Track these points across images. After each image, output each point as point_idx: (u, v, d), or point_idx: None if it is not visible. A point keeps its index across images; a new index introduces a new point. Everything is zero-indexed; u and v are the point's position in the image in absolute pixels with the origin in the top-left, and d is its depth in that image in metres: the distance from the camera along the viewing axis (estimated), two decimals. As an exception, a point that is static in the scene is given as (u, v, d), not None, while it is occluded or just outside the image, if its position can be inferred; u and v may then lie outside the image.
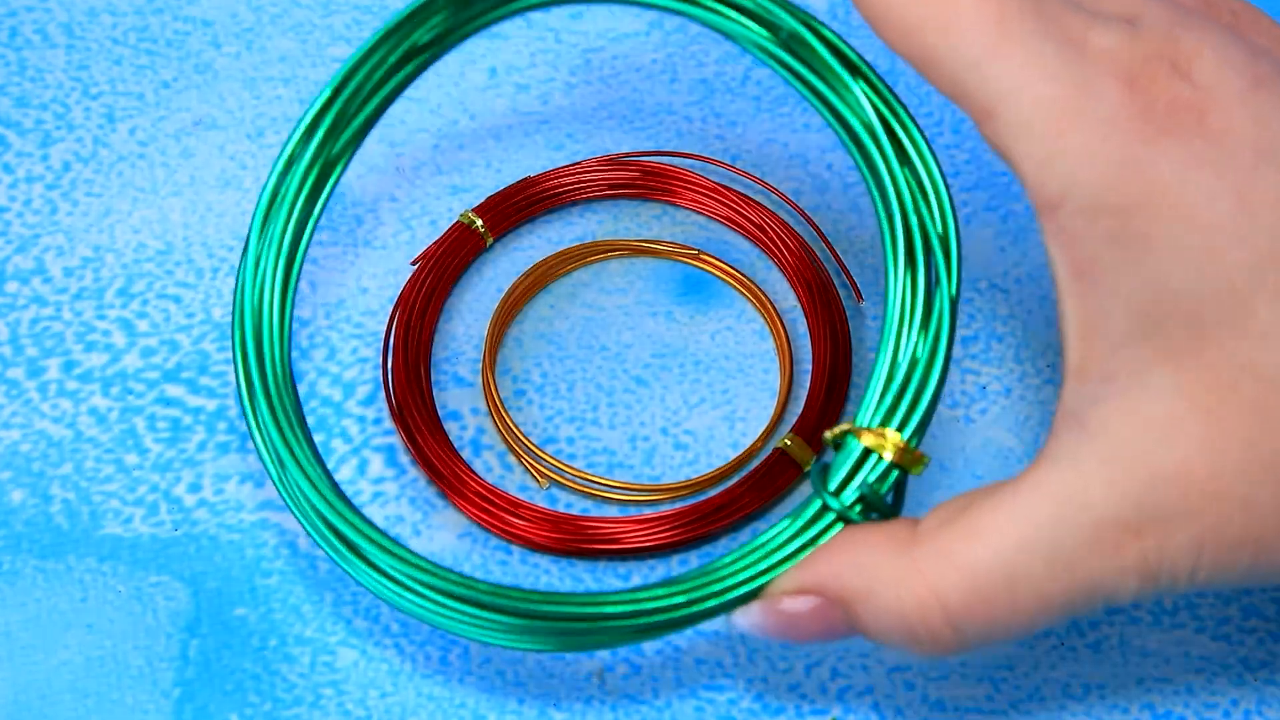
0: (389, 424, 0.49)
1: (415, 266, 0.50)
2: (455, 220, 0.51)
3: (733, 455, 0.49)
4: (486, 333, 0.50)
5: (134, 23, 0.55)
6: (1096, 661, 0.46)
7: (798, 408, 0.49)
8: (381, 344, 0.49)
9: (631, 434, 0.49)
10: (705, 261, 0.51)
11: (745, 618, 0.41)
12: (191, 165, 0.52)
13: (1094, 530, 0.37)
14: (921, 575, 0.39)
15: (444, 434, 0.48)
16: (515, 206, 0.51)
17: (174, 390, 0.49)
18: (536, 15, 0.55)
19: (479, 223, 0.51)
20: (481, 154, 0.53)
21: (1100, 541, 0.37)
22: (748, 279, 0.51)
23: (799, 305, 0.51)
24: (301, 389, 0.49)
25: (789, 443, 0.48)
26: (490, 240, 0.51)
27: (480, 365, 0.50)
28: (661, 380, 0.50)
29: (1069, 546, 0.37)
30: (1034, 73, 0.37)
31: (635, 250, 0.52)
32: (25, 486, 0.47)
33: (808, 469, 0.48)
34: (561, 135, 0.53)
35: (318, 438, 0.48)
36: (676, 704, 0.45)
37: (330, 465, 0.48)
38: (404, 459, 0.48)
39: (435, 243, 0.51)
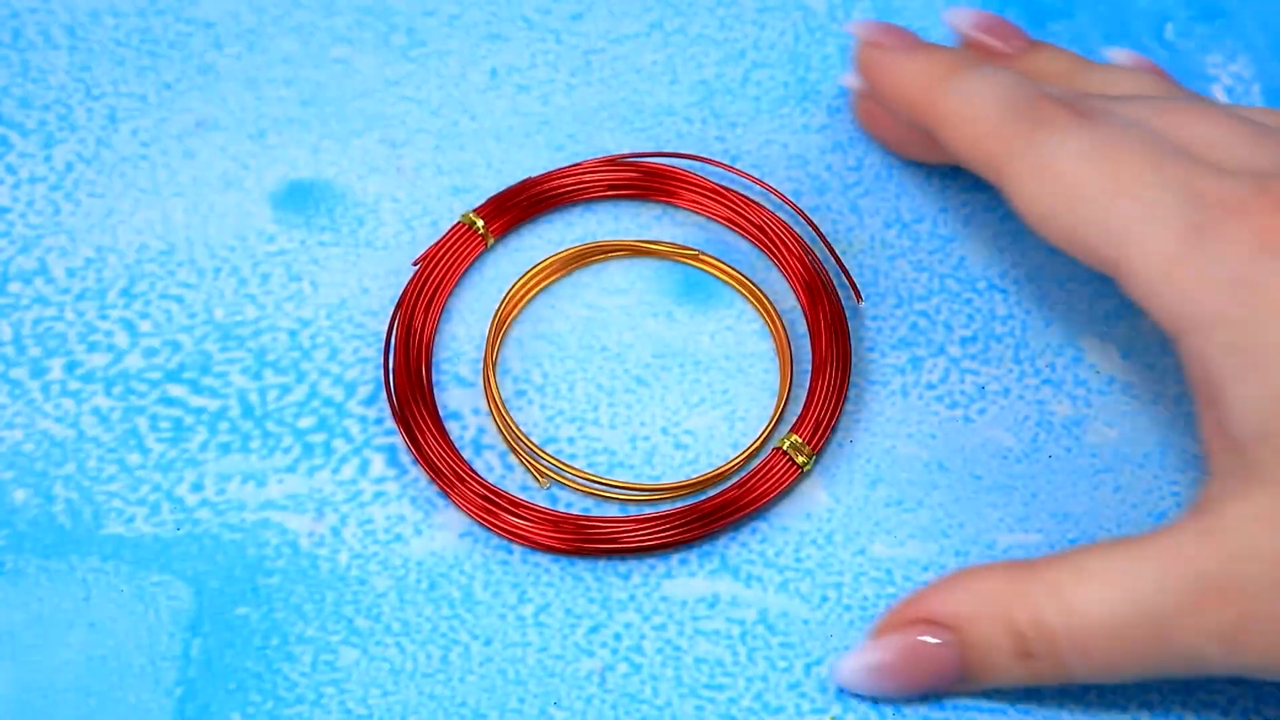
0: (390, 424, 0.49)
1: (416, 267, 0.51)
2: (456, 221, 0.51)
3: (733, 455, 0.49)
4: (487, 333, 0.50)
5: (136, 24, 0.55)
6: (1095, 660, 0.46)
7: (798, 408, 0.49)
8: (383, 344, 0.50)
9: (632, 434, 0.49)
10: (705, 262, 0.51)
11: (856, 661, 0.44)
12: (194, 166, 0.53)
13: (1184, 591, 0.40)
14: (1030, 600, 0.42)
15: (445, 434, 0.48)
16: (517, 207, 0.51)
17: (176, 390, 0.49)
18: (536, 16, 0.56)
19: (480, 223, 0.51)
20: (482, 154, 0.53)
21: (1188, 602, 0.40)
22: (748, 279, 0.51)
23: (799, 305, 0.51)
24: (303, 389, 0.49)
25: (789, 443, 0.48)
26: (491, 240, 0.51)
27: (481, 365, 0.50)
28: (661, 380, 0.50)
29: (1161, 603, 0.41)
30: (1149, 220, 0.41)
31: (636, 251, 0.52)
32: (28, 486, 0.48)
33: (807, 469, 0.48)
34: (562, 136, 0.53)
35: (319, 437, 0.49)
36: (676, 702, 0.45)
37: (331, 465, 0.48)
38: (405, 459, 0.48)
39: (436, 243, 0.51)
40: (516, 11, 0.56)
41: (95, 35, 0.55)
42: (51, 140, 0.53)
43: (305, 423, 0.49)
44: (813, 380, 0.49)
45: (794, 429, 0.48)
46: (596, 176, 0.52)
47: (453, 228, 0.51)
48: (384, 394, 0.49)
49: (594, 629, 0.46)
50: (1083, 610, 0.41)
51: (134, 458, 0.48)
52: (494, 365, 0.50)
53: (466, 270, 0.51)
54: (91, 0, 0.55)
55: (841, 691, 0.45)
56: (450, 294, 0.51)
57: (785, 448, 0.48)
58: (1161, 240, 0.41)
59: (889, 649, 0.44)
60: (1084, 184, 0.42)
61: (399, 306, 0.50)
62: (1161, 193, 0.41)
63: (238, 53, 0.54)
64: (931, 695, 0.45)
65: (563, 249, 0.51)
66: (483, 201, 0.52)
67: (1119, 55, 0.50)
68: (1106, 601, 0.41)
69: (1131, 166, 0.42)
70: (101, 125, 0.53)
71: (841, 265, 0.51)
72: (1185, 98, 0.45)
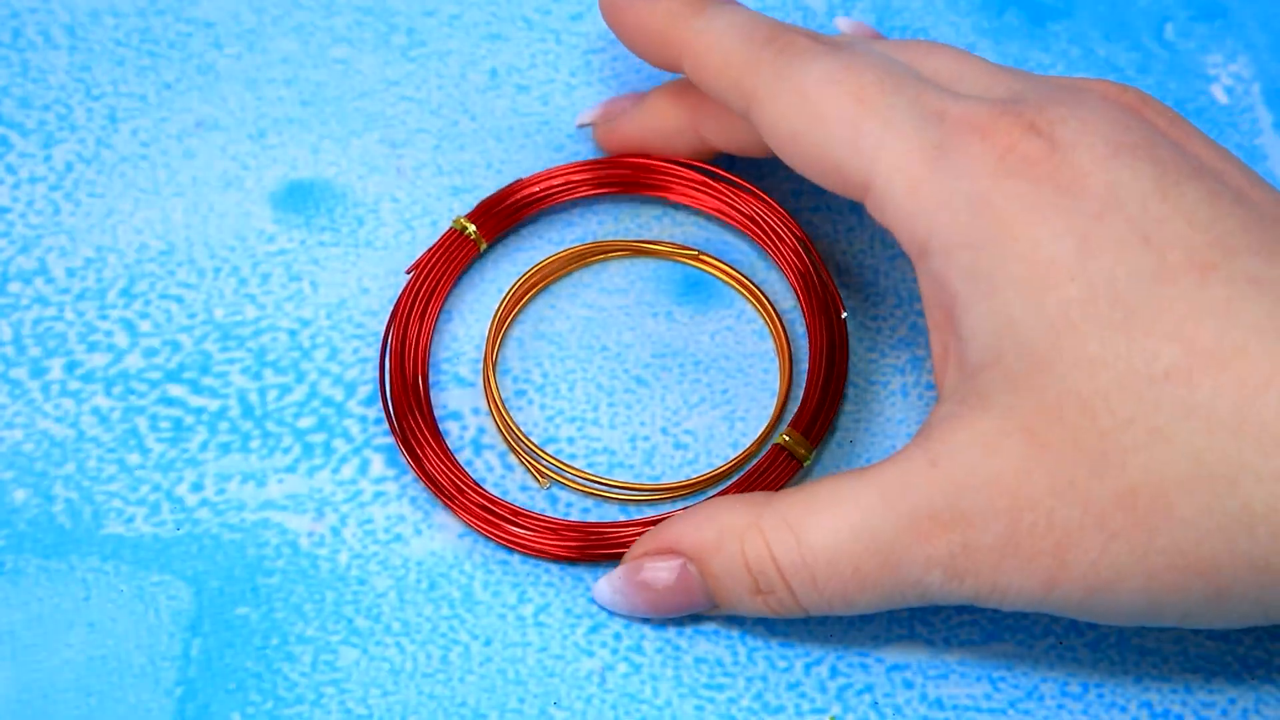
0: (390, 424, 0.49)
1: (409, 276, 0.50)
2: (449, 227, 0.51)
3: (733, 455, 0.49)
4: (487, 333, 0.50)
5: (136, 24, 0.55)
6: (1095, 660, 0.46)
7: (797, 408, 0.49)
8: (379, 355, 0.49)
9: (631, 434, 0.49)
10: (705, 262, 0.51)
11: (609, 586, 0.45)
12: (193, 166, 0.53)
13: (908, 519, 0.41)
14: (763, 534, 0.42)
15: (445, 447, 0.48)
16: (508, 209, 0.51)
17: (176, 390, 0.49)
18: (536, 16, 0.56)
19: (471, 228, 0.51)
20: (482, 155, 0.53)
21: (912, 530, 0.41)
22: (748, 279, 0.51)
23: (796, 300, 0.51)
24: (303, 389, 0.49)
25: (787, 438, 0.48)
26: (484, 245, 0.51)
27: (481, 365, 0.50)
28: (661, 380, 0.50)
29: (885, 532, 0.41)
30: (892, 137, 0.42)
31: (635, 251, 0.52)
32: (28, 486, 0.48)
33: (808, 462, 0.48)
34: (562, 136, 0.53)
35: (318, 438, 0.49)
36: (676, 702, 0.45)
37: (331, 465, 0.48)
38: (405, 458, 0.48)
39: (428, 251, 0.50)
40: (516, 11, 0.56)
41: (95, 35, 0.55)
42: (51, 140, 0.53)
43: (305, 423, 0.49)
44: (810, 371, 0.49)
45: (792, 424, 0.48)
46: (588, 174, 0.52)
47: (444, 234, 0.51)
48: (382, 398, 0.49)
49: (594, 629, 0.46)
50: (811, 542, 0.42)
51: (134, 458, 0.48)
52: (494, 365, 0.50)
53: (460, 277, 0.51)
54: (91, 0, 0.55)
55: (842, 691, 0.45)
56: (444, 303, 0.50)
57: (784, 443, 0.48)
58: (905, 159, 0.41)
59: (636, 576, 0.45)
60: (828, 104, 0.43)
61: (392, 319, 0.49)
62: (904, 111, 0.42)
63: (238, 53, 0.54)
64: (691, 618, 0.46)
65: (562, 249, 0.51)
66: (474, 206, 0.51)
67: (844, 24, 0.53)
68: (834, 532, 0.41)
69: (874, 86, 0.42)
70: (101, 125, 0.53)
71: (827, 274, 0.50)
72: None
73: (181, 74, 0.54)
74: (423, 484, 0.47)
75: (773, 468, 0.47)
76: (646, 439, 0.49)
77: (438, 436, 0.48)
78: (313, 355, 0.50)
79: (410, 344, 0.49)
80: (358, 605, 0.46)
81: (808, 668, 0.46)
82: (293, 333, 0.50)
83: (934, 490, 0.41)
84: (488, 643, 0.46)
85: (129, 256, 0.51)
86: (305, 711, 0.45)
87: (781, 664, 0.46)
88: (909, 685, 0.46)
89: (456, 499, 0.47)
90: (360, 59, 0.55)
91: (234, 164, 0.53)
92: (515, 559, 0.47)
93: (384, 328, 0.49)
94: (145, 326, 0.50)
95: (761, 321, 0.51)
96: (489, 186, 0.52)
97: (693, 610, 0.45)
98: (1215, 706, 0.46)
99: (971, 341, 0.41)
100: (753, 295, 0.51)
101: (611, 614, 0.46)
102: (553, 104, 0.54)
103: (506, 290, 0.51)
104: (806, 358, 0.50)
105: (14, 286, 0.50)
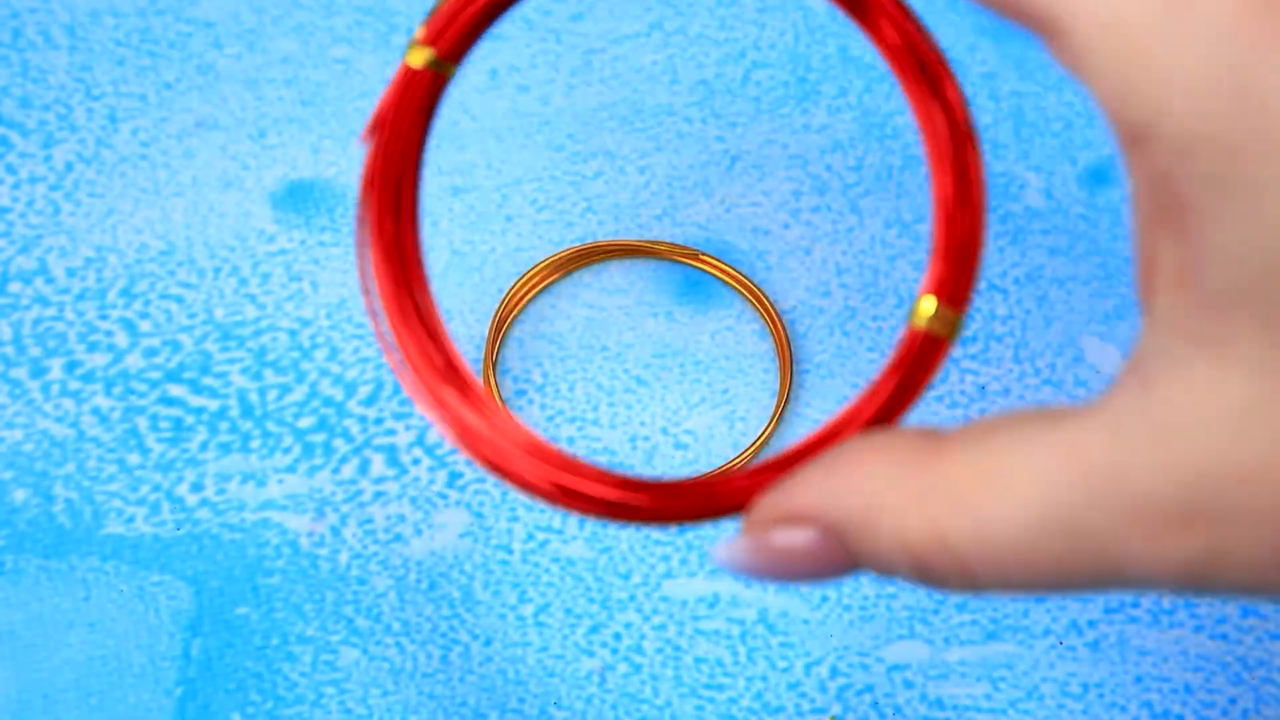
0: (390, 424, 0.49)
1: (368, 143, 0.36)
2: (401, 63, 0.36)
3: (733, 455, 0.49)
4: (487, 333, 0.50)
5: (136, 24, 0.55)
6: (1095, 661, 0.46)
7: (797, 407, 0.49)
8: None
9: (632, 434, 0.49)
10: (705, 262, 0.51)
11: (729, 553, 0.35)
12: (193, 166, 0.53)
13: (1131, 512, 0.31)
14: (928, 511, 0.33)
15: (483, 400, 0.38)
16: (473, 19, 0.37)
17: (176, 390, 0.49)
18: (536, 16, 0.56)
19: (429, 54, 0.36)
20: (482, 154, 0.53)
21: (1136, 525, 0.31)
22: (748, 279, 0.51)
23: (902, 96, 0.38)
24: (303, 389, 0.49)
25: (928, 314, 0.35)
26: (452, 71, 0.36)
27: (481, 365, 0.50)
28: (661, 380, 0.50)
29: (1097, 523, 0.31)
30: None
31: (635, 251, 0.52)
32: (28, 486, 0.48)
33: (954, 339, 0.36)
34: (562, 136, 0.53)
35: (319, 437, 0.49)
36: (676, 702, 0.45)
37: (331, 465, 0.48)
38: (405, 458, 0.48)
39: (385, 99, 0.36)
40: (517, 11, 0.56)
41: (95, 35, 0.55)
42: (51, 140, 0.53)
43: (305, 423, 0.49)
44: (936, 202, 0.35)
45: (932, 289, 0.35)
46: None
47: (399, 74, 0.36)
48: (383, 394, 0.49)
49: (594, 629, 0.46)
50: (999, 533, 0.32)
51: (134, 458, 0.48)
52: (494, 365, 0.50)
53: (432, 123, 0.39)
54: (91, 0, 0.55)
55: (842, 691, 0.46)
56: (420, 158, 0.36)
57: (925, 325, 0.35)
58: (1122, 9, 0.30)
59: (765, 543, 0.35)
60: None
61: (363, 206, 0.36)
62: None
63: (238, 53, 0.55)
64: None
65: (562, 249, 0.51)
66: (427, 24, 0.37)
67: None
68: (1027, 520, 0.31)
69: None
70: (101, 125, 0.53)
71: (936, 49, 0.36)
72: None
73: (181, 74, 0.54)
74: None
75: (920, 361, 0.36)
76: (646, 439, 0.49)
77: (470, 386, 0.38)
78: (313, 355, 0.50)
79: (404, 242, 0.36)
80: (358, 605, 0.46)
81: (808, 668, 0.46)
82: (293, 333, 0.50)
83: (1161, 478, 0.30)
84: (488, 643, 0.46)
85: (129, 256, 0.51)
86: (305, 711, 0.45)
87: (781, 664, 0.46)
88: (909, 685, 0.46)
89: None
90: (360, 59, 0.55)
91: (234, 164, 0.53)
92: (515, 558, 0.47)
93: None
94: (145, 326, 0.50)
95: (761, 321, 0.51)
96: (489, 187, 0.52)
97: (829, 578, 0.35)
98: (1215, 706, 0.46)
99: (1212, 263, 0.30)
100: (753, 295, 0.51)
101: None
102: (553, 104, 0.54)
103: (506, 290, 0.51)
104: (807, 357, 0.50)
105: (14, 286, 0.50)
